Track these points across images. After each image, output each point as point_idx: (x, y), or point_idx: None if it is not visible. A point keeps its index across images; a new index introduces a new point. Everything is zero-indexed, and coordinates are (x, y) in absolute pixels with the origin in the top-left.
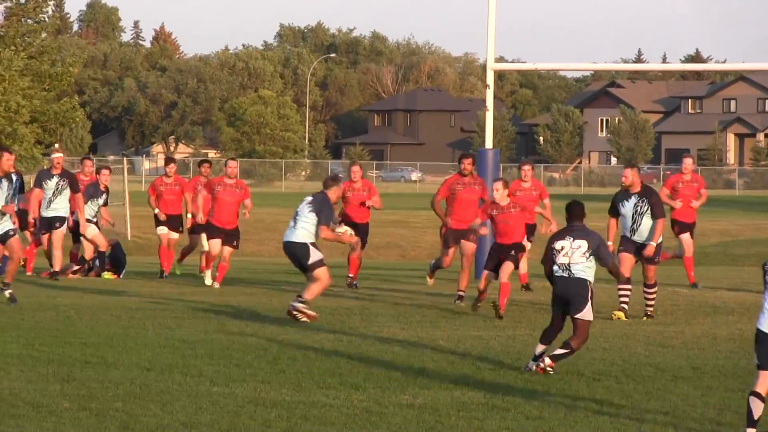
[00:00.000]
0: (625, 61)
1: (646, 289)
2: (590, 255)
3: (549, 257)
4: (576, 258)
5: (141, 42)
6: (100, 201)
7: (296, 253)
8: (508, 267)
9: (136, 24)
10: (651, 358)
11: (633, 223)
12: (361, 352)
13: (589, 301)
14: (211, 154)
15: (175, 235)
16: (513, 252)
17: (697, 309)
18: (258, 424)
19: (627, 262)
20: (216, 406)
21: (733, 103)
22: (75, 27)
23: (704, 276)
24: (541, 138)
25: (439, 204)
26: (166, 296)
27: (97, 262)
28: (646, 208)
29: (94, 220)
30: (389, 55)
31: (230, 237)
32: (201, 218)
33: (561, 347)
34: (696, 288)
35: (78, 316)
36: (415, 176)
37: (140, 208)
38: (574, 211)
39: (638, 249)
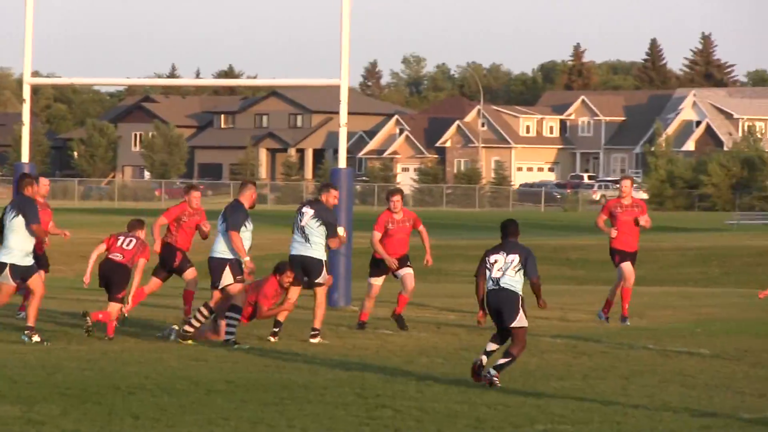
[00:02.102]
0: (159, 76)
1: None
2: (520, 268)
3: (482, 270)
4: (508, 272)
5: None
6: None
7: None
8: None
9: None
10: (185, 372)
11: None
12: None
13: (521, 309)
14: None
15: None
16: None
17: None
18: None
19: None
20: None
21: (265, 118)
22: None
23: None
24: (76, 152)
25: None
26: None
27: None
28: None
29: None
30: None
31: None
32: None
33: (503, 356)
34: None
35: None
36: None
37: None
38: (510, 228)
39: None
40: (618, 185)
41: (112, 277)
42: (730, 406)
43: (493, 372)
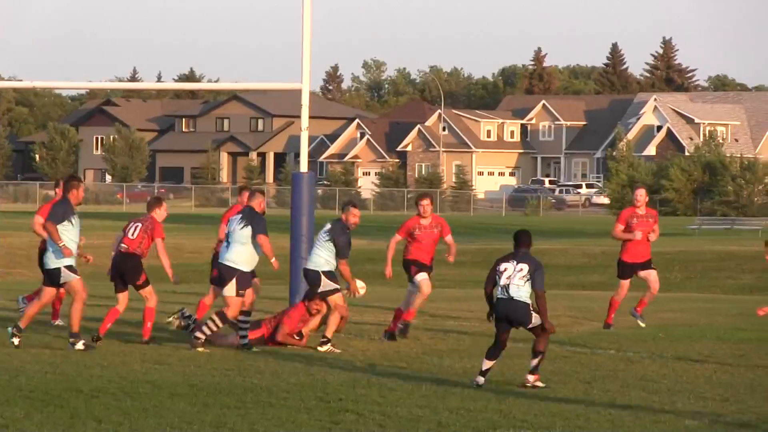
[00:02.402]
0: (120, 80)
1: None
2: (528, 279)
3: (491, 278)
4: (516, 280)
5: None
6: None
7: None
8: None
9: None
10: (148, 375)
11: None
12: None
13: (533, 312)
14: None
15: None
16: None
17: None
18: None
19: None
20: None
21: (226, 122)
22: None
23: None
24: (38, 156)
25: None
26: None
27: None
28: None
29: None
30: None
31: None
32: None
33: (533, 357)
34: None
35: None
36: None
37: None
38: (522, 238)
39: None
40: (632, 195)
41: (122, 268)
42: (693, 410)
43: (531, 378)
